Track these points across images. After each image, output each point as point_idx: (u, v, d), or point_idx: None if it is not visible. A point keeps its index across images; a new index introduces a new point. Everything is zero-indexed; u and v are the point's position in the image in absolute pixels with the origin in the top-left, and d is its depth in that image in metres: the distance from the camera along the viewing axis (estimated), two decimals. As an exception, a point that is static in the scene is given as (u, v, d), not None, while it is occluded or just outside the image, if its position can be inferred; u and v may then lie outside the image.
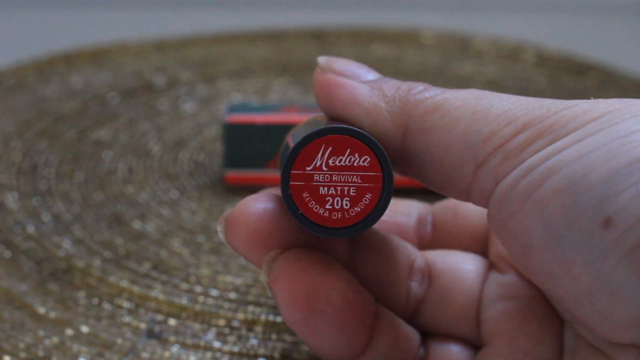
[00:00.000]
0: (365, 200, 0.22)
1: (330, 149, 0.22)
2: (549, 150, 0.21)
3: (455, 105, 0.23)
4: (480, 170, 0.22)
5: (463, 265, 0.26)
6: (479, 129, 0.22)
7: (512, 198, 0.21)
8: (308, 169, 0.22)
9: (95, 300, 0.31)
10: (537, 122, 0.21)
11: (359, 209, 0.22)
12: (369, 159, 0.22)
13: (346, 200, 0.22)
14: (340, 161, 0.22)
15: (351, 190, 0.22)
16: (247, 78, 0.48)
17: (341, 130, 0.22)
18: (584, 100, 0.22)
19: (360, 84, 0.24)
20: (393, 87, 0.24)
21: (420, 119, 0.23)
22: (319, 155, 0.22)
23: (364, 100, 0.24)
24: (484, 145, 0.22)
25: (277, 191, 0.26)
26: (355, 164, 0.22)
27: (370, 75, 0.25)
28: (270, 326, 0.30)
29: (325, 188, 0.22)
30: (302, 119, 0.37)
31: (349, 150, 0.22)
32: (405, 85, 0.24)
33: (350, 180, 0.22)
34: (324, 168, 0.22)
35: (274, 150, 0.37)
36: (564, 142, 0.21)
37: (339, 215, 0.22)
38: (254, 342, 0.30)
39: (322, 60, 0.25)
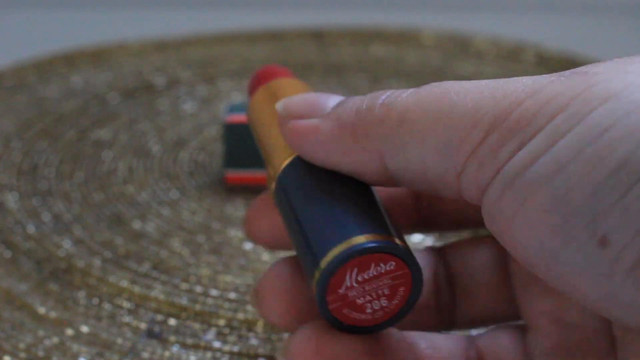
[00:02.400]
0: (400, 292, 0.23)
1: (355, 269, 0.22)
2: (523, 157, 0.20)
3: (418, 115, 0.21)
4: (462, 178, 0.21)
5: (480, 256, 0.26)
6: (449, 138, 0.21)
7: (500, 213, 0.20)
8: (340, 291, 0.22)
9: (95, 300, 0.31)
10: (502, 120, 0.20)
11: (396, 302, 0.23)
12: (394, 263, 0.22)
13: (383, 299, 0.23)
14: (368, 274, 0.22)
15: (385, 291, 0.22)
16: (247, 78, 0.48)
17: (359, 252, 0.22)
18: (550, 78, 0.20)
19: (322, 123, 0.23)
20: (350, 112, 0.23)
21: (389, 140, 0.22)
22: (347, 278, 0.22)
23: (329, 141, 0.23)
24: (457, 154, 0.21)
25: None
26: (382, 271, 0.22)
27: (331, 100, 0.24)
28: (270, 326, 0.30)
29: (362, 298, 0.22)
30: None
31: (373, 264, 0.22)
32: (364, 104, 0.23)
33: (382, 284, 0.22)
34: (355, 285, 0.22)
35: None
36: (535, 146, 0.20)
37: (381, 313, 0.23)
38: (254, 342, 0.30)
39: (279, 108, 0.25)
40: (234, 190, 0.38)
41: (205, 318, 0.31)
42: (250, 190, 0.38)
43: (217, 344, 0.29)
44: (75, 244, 0.34)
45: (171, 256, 0.34)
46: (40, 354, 0.29)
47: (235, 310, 0.31)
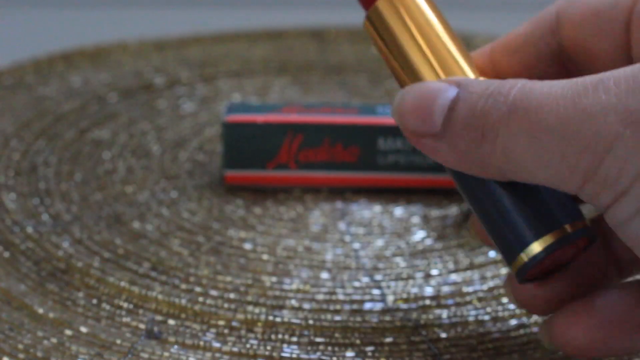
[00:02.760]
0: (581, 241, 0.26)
1: (538, 267, 0.26)
2: (619, 215, 0.23)
3: (518, 155, 0.24)
4: (581, 197, 0.24)
5: None
6: (553, 181, 0.24)
7: (624, 239, 0.24)
8: (534, 273, 0.26)
9: (94, 301, 0.31)
10: (591, 174, 0.23)
11: (582, 243, 0.26)
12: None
13: (571, 249, 0.26)
14: (552, 258, 0.26)
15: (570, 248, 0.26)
16: (247, 78, 0.48)
17: (538, 262, 0.25)
18: (617, 127, 0.23)
19: (440, 148, 0.25)
20: (462, 142, 0.25)
21: (505, 170, 0.25)
22: (536, 271, 0.26)
23: (454, 164, 0.26)
24: (566, 189, 0.24)
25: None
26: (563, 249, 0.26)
27: (437, 109, 0.25)
28: (269, 326, 0.30)
29: (554, 262, 0.26)
30: (302, 119, 0.37)
31: (551, 258, 0.26)
32: (470, 134, 0.25)
33: (566, 250, 0.26)
34: (545, 264, 0.26)
35: (274, 149, 0.37)
36: (626, 208, 0.23)
37: (574, 254, 0.27)
38: (253, 342, 0.29)
39: (394, 116, 0.26)
40: (233, 190, 0.38)
41: (205, 318, 0.30)
42: (250, 190, 0.38)
43: (216, 345, 0.29)
44: (74, 244, 0.34)
45: (170, 256, 0.34)
46: (39, 354, 0.28)
47: (235, 311, 0.31)
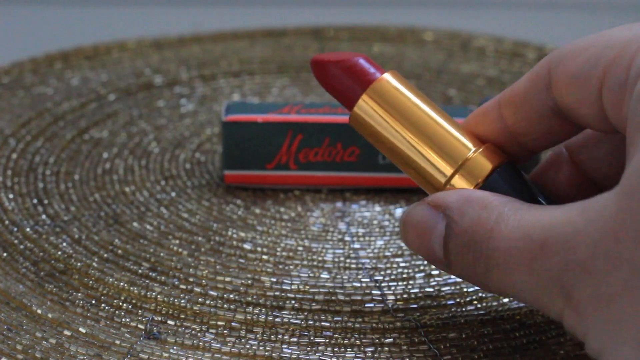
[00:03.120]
0: None
1: None
2: (588, 351, 0.24)
3: (506, 284, 0.26)
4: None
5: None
6: (536, 304, 0.25)
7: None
8: None
9: (93, 301, 0.31)
10: (568, 300, 0.24)
11: None
12: None
13: None
14: None
15: None
16: (247, 77, 0.48)
17: None
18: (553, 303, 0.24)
19: (447, 269, 0.28)
20: (461, 270, 0.27)
21: (494, 289, 0.27)
22: None
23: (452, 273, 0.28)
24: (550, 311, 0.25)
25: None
26: None
27: (434, 238, 0.27)
28: (269, 327, 0.30)
29: None
30: (302, 118, 0.37)
31: None
32: (468, 268, 0.27)
33: None
34: None
35: (274, 149, 0.37)
36: (589, 351, 0.24)
37: None
38: (253, 343, 0.29)
39: (401, 239, 0.29)
40: (233, 190, 0.38)
41: (205, 319, 0.30)
42: (250, 190, 0.38)
43: (216, 345, 0.29)
44: (73, 245, 0.34)
45: (170, 257, 0.33)
46: (38, 355, 0.28)
47: (235, 311, 0.31)
